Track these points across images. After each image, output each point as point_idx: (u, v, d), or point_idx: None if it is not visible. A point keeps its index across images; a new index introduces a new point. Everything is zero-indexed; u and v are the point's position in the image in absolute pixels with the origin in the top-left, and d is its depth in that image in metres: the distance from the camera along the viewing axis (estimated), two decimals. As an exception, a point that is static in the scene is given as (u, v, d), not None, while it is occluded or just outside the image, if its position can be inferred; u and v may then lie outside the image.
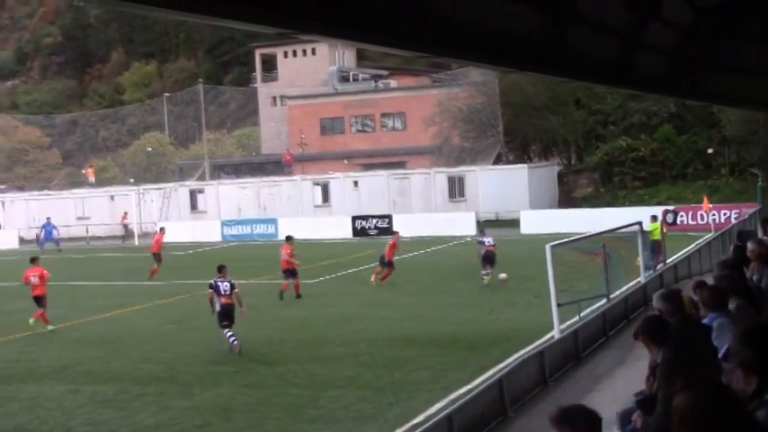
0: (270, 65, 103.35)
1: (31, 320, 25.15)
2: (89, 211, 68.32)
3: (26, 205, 69.41)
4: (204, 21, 6.87)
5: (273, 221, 57.15)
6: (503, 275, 29.57)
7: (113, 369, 19.18)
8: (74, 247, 56.76)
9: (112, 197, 68.99)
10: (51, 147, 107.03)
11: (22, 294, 31.88)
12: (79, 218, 67.07)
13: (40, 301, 25.63)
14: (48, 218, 59.96)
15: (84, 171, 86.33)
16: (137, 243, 59.32)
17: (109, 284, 36.14)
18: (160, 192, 67.16)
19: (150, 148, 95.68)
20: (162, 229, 43.02)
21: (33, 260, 27.14)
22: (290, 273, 29.73)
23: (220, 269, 21.86)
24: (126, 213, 63.99)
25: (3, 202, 69.36)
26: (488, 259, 30.37)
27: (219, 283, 21.27)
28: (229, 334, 20.68)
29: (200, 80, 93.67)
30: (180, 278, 36.52)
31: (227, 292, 21.12)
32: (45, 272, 26.19)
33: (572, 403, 4.84)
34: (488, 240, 30.94)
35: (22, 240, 63.55)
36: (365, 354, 19.32)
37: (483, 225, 48.93)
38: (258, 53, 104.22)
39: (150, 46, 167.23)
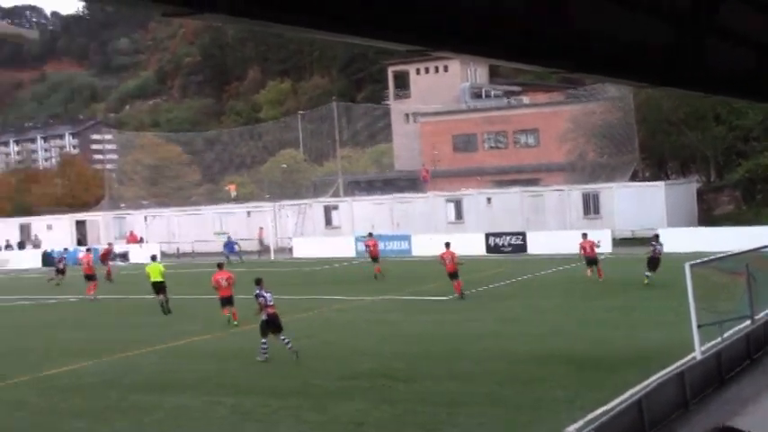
0: (402, 81, 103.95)
1: (235, 322, 28.36)
2: (227, 226, 69.87)
3: (167, 220, 71.45)
4: (339, 39, 6.96)
5: (407, 238, 57.38)
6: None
7: (252, 382, 19.51)
8: (212, 262, 58.06)
9: (249, 213, 70.43)
10: (191, 163, 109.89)
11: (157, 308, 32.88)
12: (217, 233, 68.64)
13: (228, 300, 28.90)
14: (228, 235, 61.66)
15: (226, 187, 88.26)
16: (272, 258, 60.39)
17: (245, 298, 36.80)
18: (295, 208, 68.22)
19: (286, 165, 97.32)
20: (371, 235, 47.29)
21: (220, 266, 31.48)
22: (455, 275, 32.83)
23: (259, 282, 23.33)
24: (262, 229, 65.25)
25: (145, 218, 71.54)
26: (651, 262, 33.43)
27: (266, 294, 22.60)
28: (266, 346, 21.92)
29: (334, 97, 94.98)
30: (314, 293, 37.02)
31: (272, 302, 22.55)
32: (232, 275, 29.93)
33: (734, 426, 4.22)
34: (657, 247, 33.91)
35: (163, 255, 65.37)
36: (501, 371, 19.16)
37: (619, 243, 48.53)
38: (391, 70, 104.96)
39: (285, 64, 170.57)
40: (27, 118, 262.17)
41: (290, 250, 62.53)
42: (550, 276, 39.38)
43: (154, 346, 24.99)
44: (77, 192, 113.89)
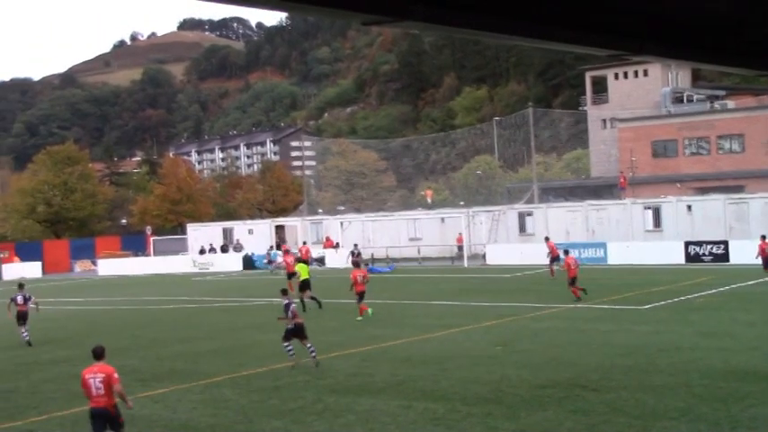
0: (600, 87, 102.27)
1: (360, 317, 32.51)
2: (420, 232, 70.47)
3: (362, 226, 72.65)
4: (539, 45, 6.87)
5: (602, 245, 56.34)
6: None
7: (443, 388, 19.57)
8: (406, 267, 58.76)
9: (443, 219, 70.76)
10: (387, 170, 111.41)
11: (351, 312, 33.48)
12: (411, 239, 69.31)
13: (362, 296, 33.16)
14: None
15: (422, 193, 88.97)
16: (465, 264, 60.46)
17: (438, 304, 37.06)
18: (489, 214, 68.09)
19: (480, 171, 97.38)
20: (547, 239, 49.23)
21: (356, 264, 37.22)
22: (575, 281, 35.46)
23: (285, 292, 25.42)
24: (461, 234, 65.47)
25: (341, 223, 72.98)
26: None
27: (293, 305, 24.07)
28: (290, 348, 23.33)
29: (530, 103, 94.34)
30: (507, 300, 36.82)
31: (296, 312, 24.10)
32: (367, 274, 34.94)
33: None
34: None
35: (357, 259, 66.47)
36: (699, 385, 18.52)
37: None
38: (588, 75, 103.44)
39: (481, 71, 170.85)
40: (231, 126, 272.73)
41: (484, 257, 62.44)
42: (754, 288, 37.78)
43: (348, 350, 25.44)
44: (277, 197, 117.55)
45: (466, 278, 51.30)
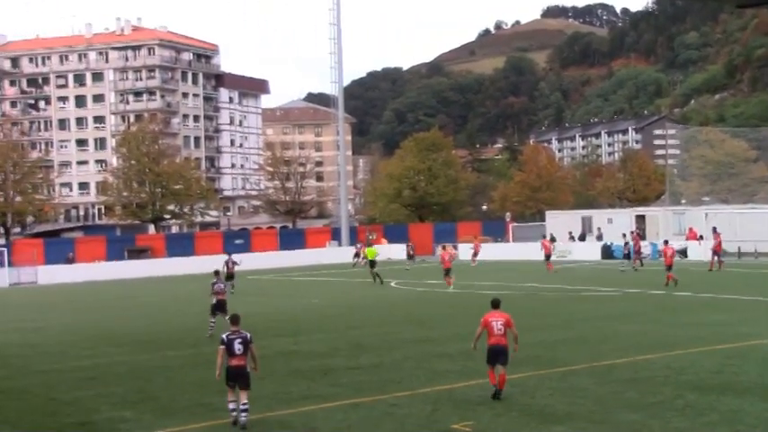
0: None
1: (450, 288, 44.51)
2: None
3: (728, 218, 69.43)
4: None
5: None
6: None
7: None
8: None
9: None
10: (758, 160, 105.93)
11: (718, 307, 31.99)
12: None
13: (448, 271, 45.96)
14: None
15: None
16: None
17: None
18: None
19: None
20: None
21: (444, 247, 50.41)
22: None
23: (217, 273, 31.90)
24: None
25: (705, 214, 70.23)
26: None
27: (220, 285, 30.65)
28: (213, 322, 29.25)
29: None
30: None
31: (222, 291, 30.39)
32: (454, 253, 49.42)
33: None
34: None
35: (724, 253, 63.66)
36: None
37: None
38: None
39: None
40: (592, 113, 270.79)
41: None
42: None
43: (714, 346, 24.44)
44: (638, 186, 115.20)
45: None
